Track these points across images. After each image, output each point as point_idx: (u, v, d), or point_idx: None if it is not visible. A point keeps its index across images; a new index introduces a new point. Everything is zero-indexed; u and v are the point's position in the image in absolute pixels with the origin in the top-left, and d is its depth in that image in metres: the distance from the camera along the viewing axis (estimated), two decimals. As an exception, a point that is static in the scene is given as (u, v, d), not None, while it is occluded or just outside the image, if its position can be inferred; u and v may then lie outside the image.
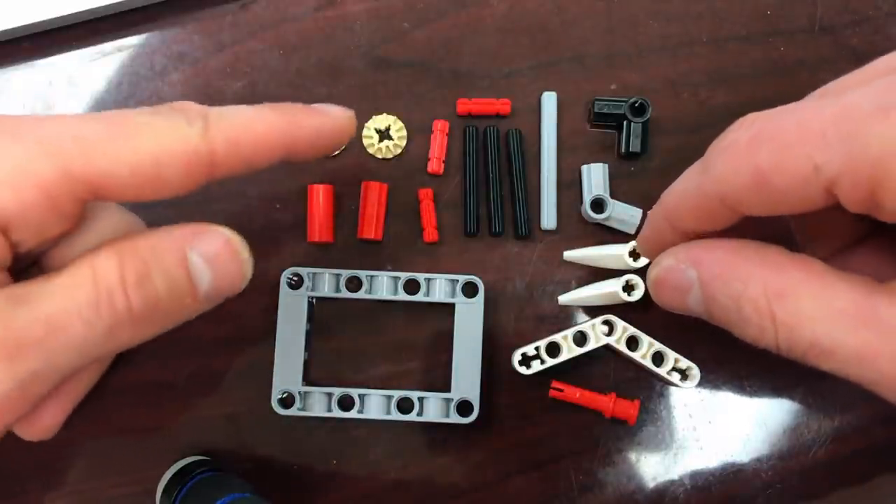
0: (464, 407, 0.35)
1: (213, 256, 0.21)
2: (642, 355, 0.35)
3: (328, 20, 0.38)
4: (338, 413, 0.35)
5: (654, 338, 0.35)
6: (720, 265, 0.21)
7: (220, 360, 0.36)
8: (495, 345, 0.37)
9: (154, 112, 0.20)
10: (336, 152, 0.37)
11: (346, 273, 0.36)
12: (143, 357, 0.36)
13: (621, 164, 0.38)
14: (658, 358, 0.35)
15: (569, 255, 0.37)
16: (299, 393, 0.35)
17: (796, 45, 0.38)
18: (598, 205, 0.36)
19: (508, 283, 0.37)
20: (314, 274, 0.36)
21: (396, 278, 0.36)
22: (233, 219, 0.36)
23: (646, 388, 0.37)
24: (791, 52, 0.38)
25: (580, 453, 0.37)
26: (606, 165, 0.37)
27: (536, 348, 0.35)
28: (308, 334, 0.36)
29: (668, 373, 0.35)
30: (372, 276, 0.36)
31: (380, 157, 0.37)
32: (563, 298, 0.37)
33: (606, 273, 0.37)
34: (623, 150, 0.37)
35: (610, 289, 0.35)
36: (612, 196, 0.37)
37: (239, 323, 0.36)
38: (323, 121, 0.22)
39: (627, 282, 0.35)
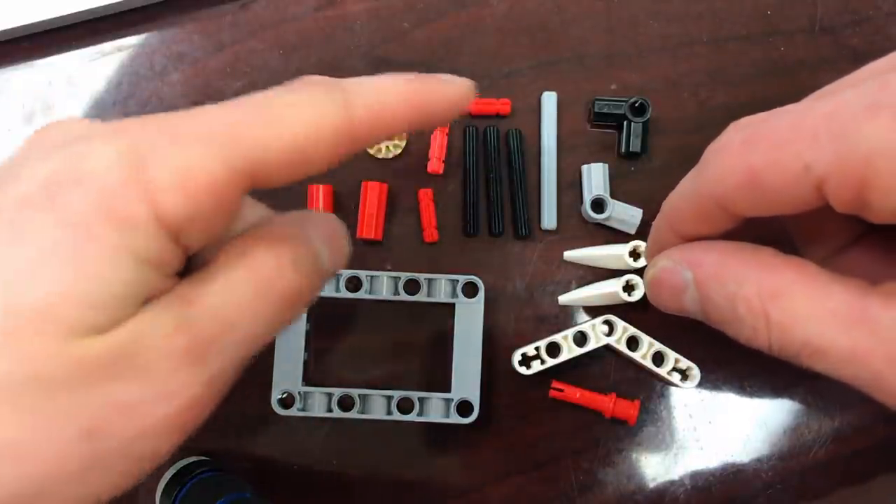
0: (464, 407, 0.35)
1: (325, 236, 0.21)
2: (642, 355, 0.35)
3: (328, 20, 0.38)
4: (338, 413, 0.35)
5: (655, 338, 0.35)
6: (715, 266, 0.22)
7: (220, 360, 0.36)
8: (495, 345, 0.37)
9: (291, 91, 0.19)
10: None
11: (346, 273, 0.36)
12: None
13: (621, 164, 0.38)
14: (658, 358, 0.35)
15: (569, 255, 0.37)
16: (299, 393, 0.35)
17: (796, 45, 0.38)
18: (598, 205, 0.36)
19: (508, 283, 0.37)
20: (314, 274, 0.36)
21: (396, 278, 0.36)
22: (233, 219, 0.36)
23: (646, 388, 0.37)
24: (791, 52, 0.38)
25: (580, 453, 0.37)
26: (606, 165, 0.37)
27: (536, 348, 0.35)
28: (308, 334, 0.36)
29: (669, 373, 0.35)
30: (372, 276, 0.36)
31: (380, 157, 0.37)
32: (563, 298, 0.37)
33: (606, 273, 0.37)
34: (623, 150, 0.37)
35: (610, 289, 0.35)
36: (612, 196, 0.37)
37: (239, 323, 0.36)
38: (449, 89, 0.22)
39: (627, 282, 0.35)
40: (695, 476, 0.37)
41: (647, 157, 0.38)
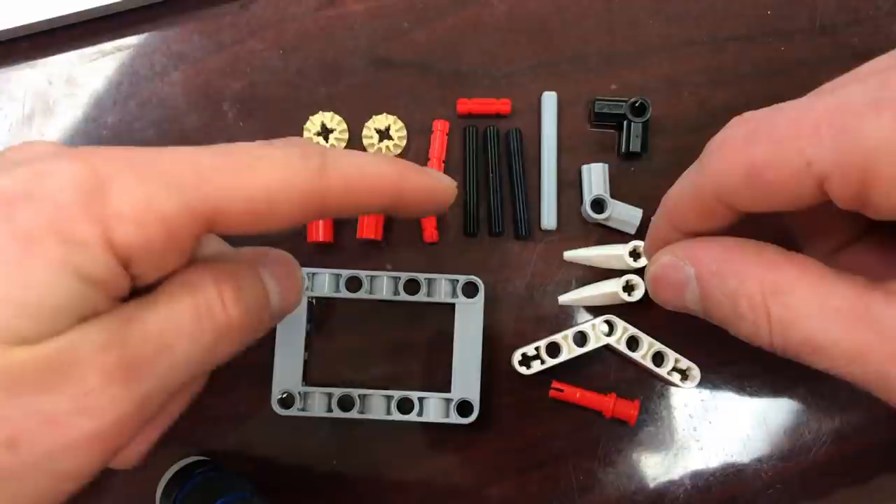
0: (464, 407, 0.35)
1: (279, 275, 0.22)
2: (642, 355, 0.35)
3: (328, 20, 0.38)
4: (338, 413, 0.35)
5: (654, 338, 0.35)
6: (717, 262, 0.22)
7: (220, 360, 0.36)
8: (495, 345, 0.37)
9: (270, 145, 0.20)
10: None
11: (346, 273, 0.36)
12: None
13: (621, 164, 0.38)
14: (658, 358, 0.35)
15: (569, 255, 0.37)
16: (299, 393, 0.35)
17: (796, 45, 0.38)
18: (598, 205, 0.36)
19: (508, 283, 0.37)
20: (314, 274, 0.36)
21: (396, 278, 0.36)
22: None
23: (646, 388, 0.37)
24: (791, 52, 0.38)
25: (580, 453, 0.37)
26: (606, 165, 0.37)
27: (536, 348, 0.35)
28: (308, 334, 0.36)
29: (669, 373, 0.35)
30: (372, 276, 0.36)
31: (380, 157, 0.37)
32: (563, 298, 0.37)
33: (606, 273, 0.37)
34: (623, 150, 0.37)
35: (610, 289, 0.35)
36: (612, 196, 0.37)
37: (239, 323, 0.36)
38: (430, 182, 0.23)
39: (627, 282, 0.35)
40: (695, 476, 0.37)
41: (647, 157, 0.38)
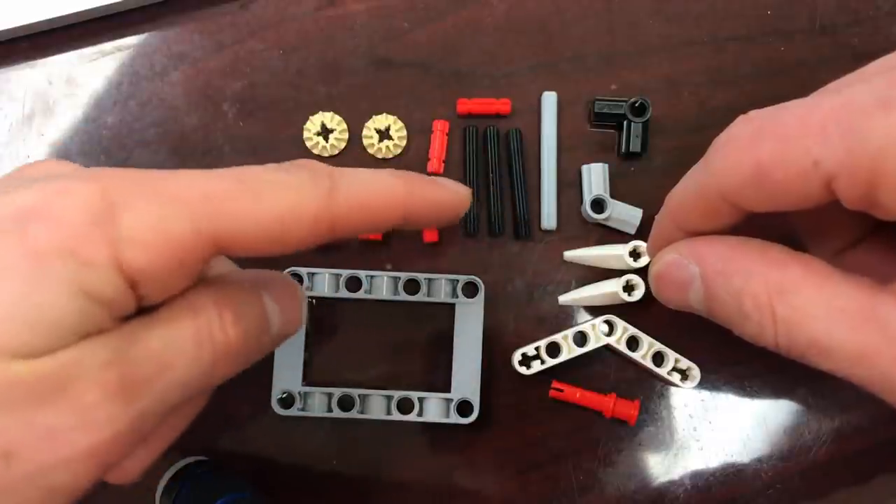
0: (464, 407, 0.35)
1: (280, 299, 0.22)
2: (642, 355, 0.35)
3: (328, 20, 0.38)
4: (338, 413, 0.35)
5: (655, 338, 0.35)
6: (722, 260, 0.21)
7: (220, 360, 0.36)
8: (495, 345, 0.37)
9: (279, 169, 0.20)
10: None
11: (346, 273, 0.36)
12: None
13: (621, 164, 0.38)
14: (658, 358, 0.35)
15: (569, 255, 0.37)
16: (299, 393, 0.35)
17: (796, 45, 0.38)
18: (598, 205, 0.36)
19: (508, 283, 0.37)
20: (314, 274, 0.36)
21: (396, 278, 0.36)
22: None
23: (646, 388, 0.37)
24: (791, 52, 0.38)
25: (580, 453, 0.37)
26: (606, 165, 0.37)
27: (536, 348, 0.35)
28: (308, 334, 0.36)
29: (669, 373, 0.35)
30: (372, 276, 0.36)
31: (380, 157, 0.37)
32: (563, 298, 0.37)
33: (606, 273, 0.37)
34: (623, 150, 0.37)
35: (610, 289, 0.35)
36: (612, 196, 0.36)
37: (239, 323, 0.36)
38: (441, 193, 0.23)
39: (627, 282, 0.35)
40: (695, 476, 0.37)
41: (647, 157, 0.38)
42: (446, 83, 0.38)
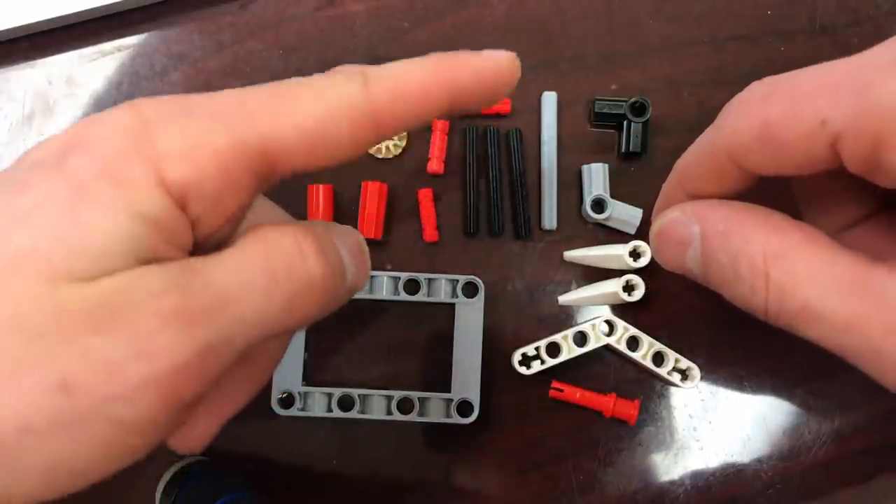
0: (464, 407, 0.35)
1: (352, 249, 0.21)
2: (642, 355, 0.35)
3: (328, 20, 0.38)
4: (338, 413, 0.35)
5: (654, 338, 0.35)
6: (723, 221, 0.21)
7: (220, 360, 0.36)
8: (495, 345, 0.37)
9: (312, 77, 0.20)
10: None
11: (346, 273, 0.36)
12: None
13: (621, 164, 0.38)
14: (658, 358, 0.35)
15: (569, 255, 0.37)
16: (299, 393, 0.35)
17: (796, 45, 0.38)
18: (598, 205, 0.36)
19: (508, 283, 0.37)
20: (314, 274, 0.36)
21: (396, 278, 0.36)
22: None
23: (646, 388, 0.37)
24: (791, 52, 0.38)
25: (580, 453, 0.37)
26: (606, 165, 0.37)
27: (536, 348, 0.35)
28: (308, 334, 0.36)
29: (669, 373, 0.35)
30: (372, 276, 0.36)
31: (380, 157, 0.37)
32: (563, 298, 0.37)
33: (606, 273, 0.37)
34: (623, 150, 0.37)
35: (610, 289, 0.35)
36: (612, 196, 0.36)
37: (239, 323, 0.36)
38: (484, 64, 0.21)
39: (627, 282, 0.35)
40: (695, 476, 0.37)
41: (647, 157, 0.38)
42: (446, 83, 0.38)
